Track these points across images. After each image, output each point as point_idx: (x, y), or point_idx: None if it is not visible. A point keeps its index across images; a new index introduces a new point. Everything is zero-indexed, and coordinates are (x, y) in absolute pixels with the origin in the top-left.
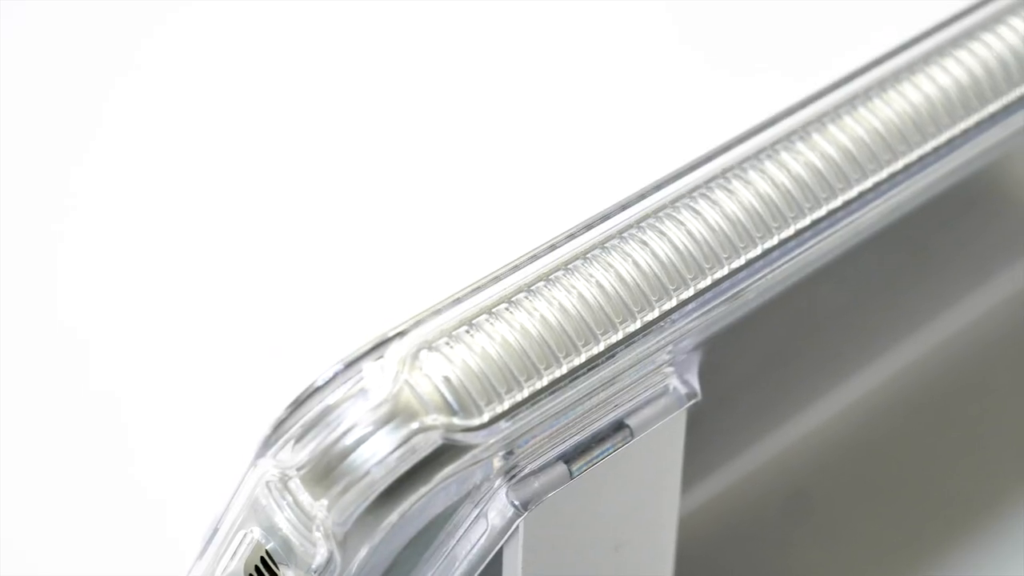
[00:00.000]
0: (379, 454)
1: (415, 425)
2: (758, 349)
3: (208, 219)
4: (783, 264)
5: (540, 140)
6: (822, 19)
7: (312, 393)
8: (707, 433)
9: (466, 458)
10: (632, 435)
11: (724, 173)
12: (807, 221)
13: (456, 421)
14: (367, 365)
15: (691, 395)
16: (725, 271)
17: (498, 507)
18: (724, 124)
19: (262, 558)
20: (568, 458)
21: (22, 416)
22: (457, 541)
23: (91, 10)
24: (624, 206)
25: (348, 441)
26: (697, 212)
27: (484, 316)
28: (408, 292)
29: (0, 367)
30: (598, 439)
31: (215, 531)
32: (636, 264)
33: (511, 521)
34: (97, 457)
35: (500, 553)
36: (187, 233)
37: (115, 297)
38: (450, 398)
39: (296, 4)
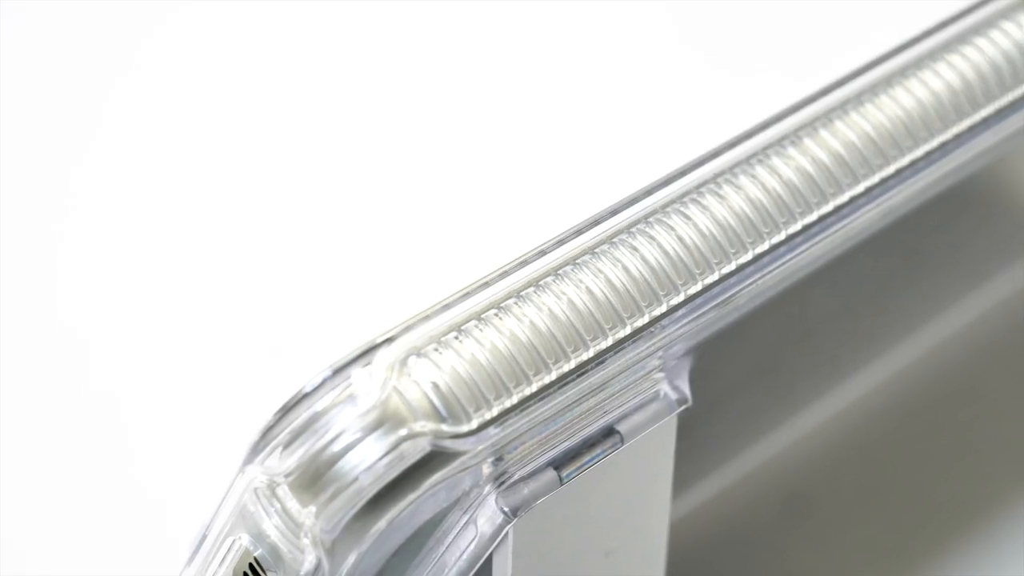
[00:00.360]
0: (367, 461)
1: (403, 432)
2: (749, 354)
3: (207, 220)
4: (774, 269)
5: (539, 140)
6: (822, 19)
7: (300, 399)
8: (698, 439)
9: (455, 465)
10: (622, 441)
11: (715, 178)
12: (798, 226)
13: (445, 428)
14: (355, 371)
15: (682, 401)
16: (716, 276)
17: (487, 513)
18: (724, 124)
19: (250, 565)
20: (558, 464)
21: (22, 416)
22: (446, 548)
23: (91, 10)
24: (614, 211)
25: (336, 448)
26: (688, 217)
27: (473, 322)
28: (397, 297)
29: (0, 367)
30: (588, 445)
31: (203, 538)
32: (626, 269)
33: (500, 528)
34: (97, 457)
35: (490, 560)
36: (186, 233)
37: (115, 297)
38: (439, 404)
39: (296, 4)
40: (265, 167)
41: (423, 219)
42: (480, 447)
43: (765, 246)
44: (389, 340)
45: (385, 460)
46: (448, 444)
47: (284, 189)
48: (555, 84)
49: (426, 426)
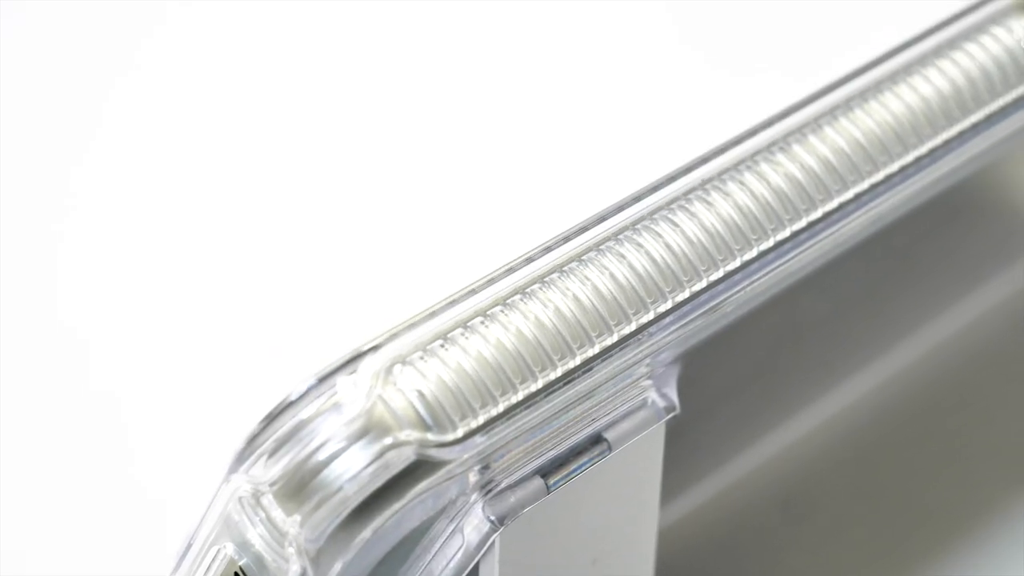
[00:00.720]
0: (352, 470)
1: (388, 440)
2: (738, 361)
3: (207, 219)
4: (762, 276)
5: (537, 141)
6: (822, 19)
7: (285, 407)
8: (686, 446)
9: (440, 473)
10: (610, 449)
11: (703, 184)
12: (786, 233)
13: (430, 436)
14: (341, 379)
15: (670, 408)
16: (703, 284)
17: (474, 522)
18: (724, 124)
19: (235, 574)
20: (545, 472)
21: (22, 416)
22: (433, 556)
23: (91, 10)
24: (601, 218)
25: (321, 456)
26: (675, 224)
27: (459, 330)
28: (383, 305)
29: (0, 367)
30: (575, 453)
31: (188, 546)
32: (613, 277)
33: (487, 536)
34: (97, 457)
35: (476, 568)
36: (186, 233)
37: (115, 297)
38: (424, 413)
39: (296, 4)
40: (263, 170)
41: (410, 226)
42: (466, 456)
43: (753, 253)
44: (374, 348)
45: (370, 469)
46: (433, 453)
47: (281, 192)
48: (555, 84)
49: (411, 435)
